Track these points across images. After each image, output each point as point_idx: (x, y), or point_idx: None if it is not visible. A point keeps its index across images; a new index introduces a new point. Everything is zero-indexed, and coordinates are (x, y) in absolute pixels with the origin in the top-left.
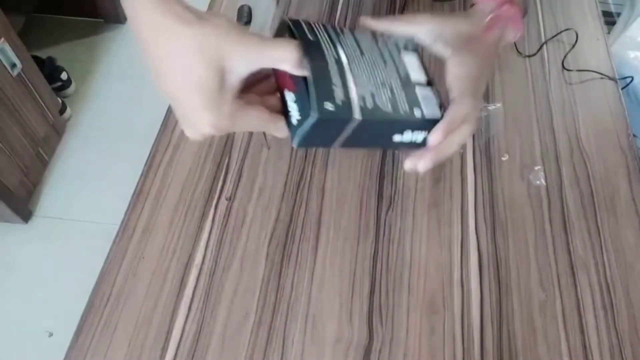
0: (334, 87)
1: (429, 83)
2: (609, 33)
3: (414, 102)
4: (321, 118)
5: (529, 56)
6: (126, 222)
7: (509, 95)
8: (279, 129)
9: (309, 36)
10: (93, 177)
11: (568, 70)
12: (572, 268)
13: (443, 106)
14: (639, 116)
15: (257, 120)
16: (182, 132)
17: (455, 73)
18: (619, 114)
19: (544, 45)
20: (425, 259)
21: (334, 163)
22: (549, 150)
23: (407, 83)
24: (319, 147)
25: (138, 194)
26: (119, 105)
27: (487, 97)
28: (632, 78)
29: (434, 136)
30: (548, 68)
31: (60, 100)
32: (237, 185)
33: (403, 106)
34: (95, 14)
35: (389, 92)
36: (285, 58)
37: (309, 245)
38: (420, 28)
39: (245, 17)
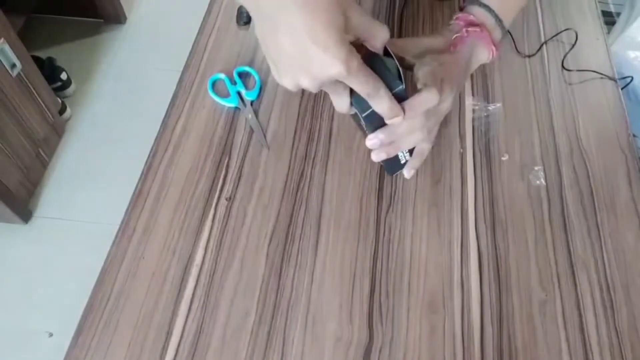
0: (399, 71)
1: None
2: (609, 33)
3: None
4: (403, 88)
5: (529, 56)
6: (126, 222)
7: (509, 95)
8: (378, 97)
9: None
10: (93, 177)
11: (568, 70)
12: (572, 268)
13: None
14: (639, 116)
15: (370, 80)
16: (182, 132)
17: (420, 70)
18: (619, 114)
19: (544, 45)
20: (425, 259)
21: (334, 163)
22: (549, 150)
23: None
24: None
25: (138, 194)
26: (119, 106)
27: (487, 97)
28: (632, 78)
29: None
30: (548, 68)
31: (60, 101)
32: (237, 185)
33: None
34: (95, 14)
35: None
36: (382, 35)
37: (309, 245)
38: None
39: (244, 17)
